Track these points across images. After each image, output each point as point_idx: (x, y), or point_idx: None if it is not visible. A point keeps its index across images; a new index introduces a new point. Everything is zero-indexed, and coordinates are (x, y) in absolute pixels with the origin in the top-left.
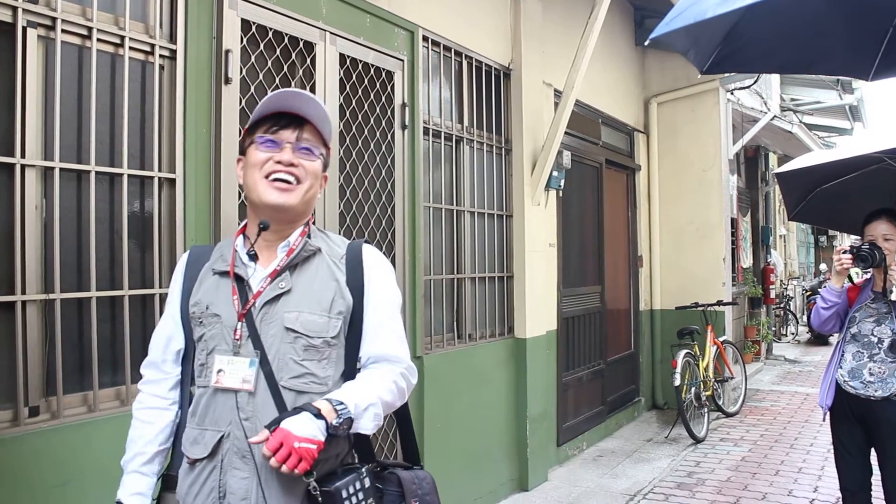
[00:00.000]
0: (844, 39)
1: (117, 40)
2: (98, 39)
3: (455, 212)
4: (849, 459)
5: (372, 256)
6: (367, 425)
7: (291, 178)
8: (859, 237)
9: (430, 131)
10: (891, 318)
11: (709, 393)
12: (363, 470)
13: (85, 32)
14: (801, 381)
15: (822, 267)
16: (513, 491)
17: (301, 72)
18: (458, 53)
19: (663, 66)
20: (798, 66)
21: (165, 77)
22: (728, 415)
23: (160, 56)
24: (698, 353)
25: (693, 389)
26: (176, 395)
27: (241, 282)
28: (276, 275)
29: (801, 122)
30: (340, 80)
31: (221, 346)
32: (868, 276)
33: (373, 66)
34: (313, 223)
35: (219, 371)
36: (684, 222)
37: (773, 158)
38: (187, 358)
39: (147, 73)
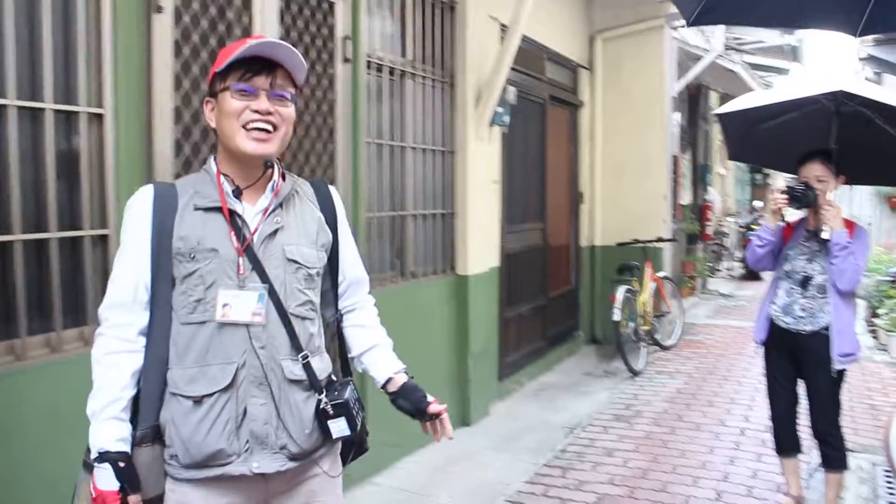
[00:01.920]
0: None
1: None
2: None
3: (398, 148)
4: (780, 391)
5: (336, 196)
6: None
7: (269, 127)
8: (795, 176)
9: (373, 65)
10: (822, 256)
11: (647, 327)
12: (351, 384)
13: None
14: (734, 315)
15: (757, 204)
16: (455, 426)
17: (239, 1)
18: None
19: (608, 2)
20: (784, 19)
21: (91, 4)
22: (665, 348)
23: None
24: (637, 289)
25: (631, 324)
26: (143, 340)
27: (233, 217)
28: (269, 212)
29: (742, 61)
30: (280, 10)
31: (223, 281)
32: (802, 215)
33: None
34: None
35: (224, 305)
36: (626, 159)
37: (713, 97)
38: (157, 298)
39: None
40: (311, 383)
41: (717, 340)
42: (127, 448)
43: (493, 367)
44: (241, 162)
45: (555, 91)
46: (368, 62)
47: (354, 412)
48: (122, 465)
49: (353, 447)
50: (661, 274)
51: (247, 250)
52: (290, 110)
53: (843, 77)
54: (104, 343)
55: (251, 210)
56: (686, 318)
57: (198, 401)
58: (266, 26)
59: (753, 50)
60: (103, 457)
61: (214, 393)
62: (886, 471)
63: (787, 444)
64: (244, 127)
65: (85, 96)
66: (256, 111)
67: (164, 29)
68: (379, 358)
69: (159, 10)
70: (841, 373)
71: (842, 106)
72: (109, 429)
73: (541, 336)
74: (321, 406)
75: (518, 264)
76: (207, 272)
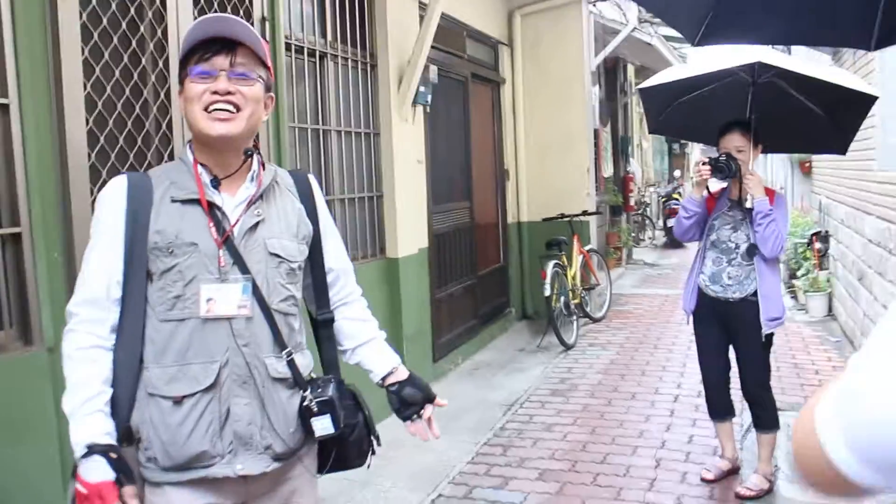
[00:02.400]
0: (841, 8)
1: None
2: None
3: (321, 131)
4: (711, 358)
5: (317, 185)
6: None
7: (231, 108)
8: (716, 147)
9: (293, 47)
10: (746, 225)
11: (577, 301)
12: (334, 381)
13: None
14: (660, 283)
15: (676, 173)
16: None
17: None
18: None
19: None
20: (795, 37)
21: None
22: (595, 320)
23: None
24: (566, 263)
25: (562, 298)
26: (114, 338)
27: (212, 209)
28: (251, 203)
29: (656, 33)
30: None
31: (204, 275)
32: (725, 185)
33: None
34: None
35: (208, 300)
36: (549, 134)
37: (630, 69)
38: (130, 294)
39: None
40: (296, 380)
41: (646, 310)
42: (114, 441)
43: (427, 349)
44: (216, 150)
45: (476, 68)
46: (288, 44)
47: (338, 410)
48: (114, 455)
49: (334, 450)
50: (588, 247)
51: (227, 244)
52: (254, 90)
53: (757, 48)
54: (76, 339)
55: (231, 201)
56: (614, 289)
57: (178, 401)
58: (180, 8)
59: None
60: (92, 449)
61: (196, 393)
62: None
63: (720, 409)
64: (206, 110)
65: None
66: (215, 92)
67: (70, 12)
68: (378, 351)
69: None
70: (769, 336)
71: (758, 77)
72: (95, 422)
73: (473, 315)
74: (305, 403)
75: (447, 244)
76: (187, 267)
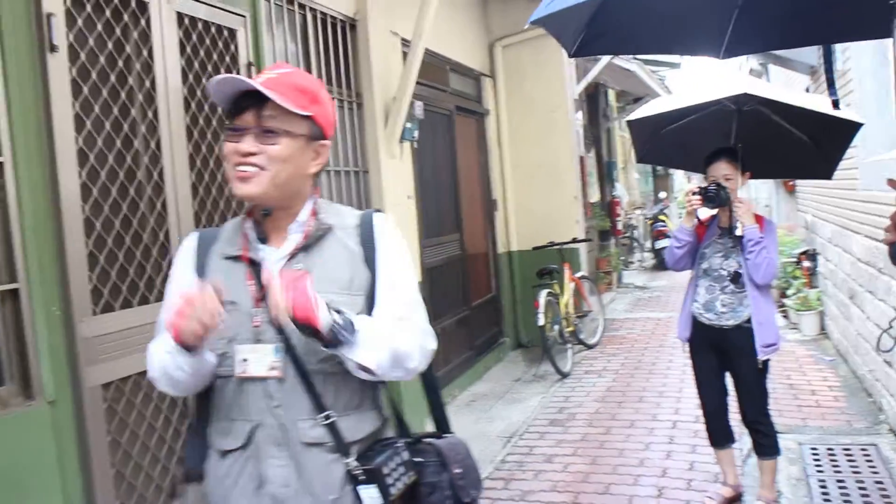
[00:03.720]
0: (696, 21)
1: None
2: None
3: None
4: (709, 385)
5: (383, 225)
6: (366, 355)
7: (251, 169)
8: (703, 175)
9: None
10: (737, 252)
11: (571, 328)
12: (399, 444)
13: None
14: (651, 306)
15: (661, 194)
16: None
17: (136, 34)
18: (301, 6)
19: (506, 10)
20: (657, 47)
21: None
22: (589, 347)
23: None
24: (558, 291)
25: (556, 327)
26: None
27: (254, 266)
28: (291, 257)
29: (634, 58)
30: (180, 40)
31: (242, 335)
32: (714, 213)
33: (213, 23)
34: (319, 196)
35: (243, 360)
36: (535, 163)
37: (611, 94)
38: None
39: None
40: (337, 446)
41: (639, 334)
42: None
43: None
44: (258, 206)
45: (460, 101)
46: None
47: (388, 481)
48: None
49: None
50: (578, 274)
51: (265, 302)
52: (278, 149)
53: (740, 77)
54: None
55: (274, 256)
56: (606, 315)
57: (223, 454)
58: (167, 57)
59: None
60: None
61: (237, 450)
62: (813, 449)
63: (720, 437)
64: (235, 168)
65: None
66: (238, 153)
67: (60, 69)
68: None
69: (53, 49)
70: (765, 362)
71: (743, 106)
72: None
73: (467, 346)
74: (350, 470)
75: (439, 277)
76: (228, 326)
